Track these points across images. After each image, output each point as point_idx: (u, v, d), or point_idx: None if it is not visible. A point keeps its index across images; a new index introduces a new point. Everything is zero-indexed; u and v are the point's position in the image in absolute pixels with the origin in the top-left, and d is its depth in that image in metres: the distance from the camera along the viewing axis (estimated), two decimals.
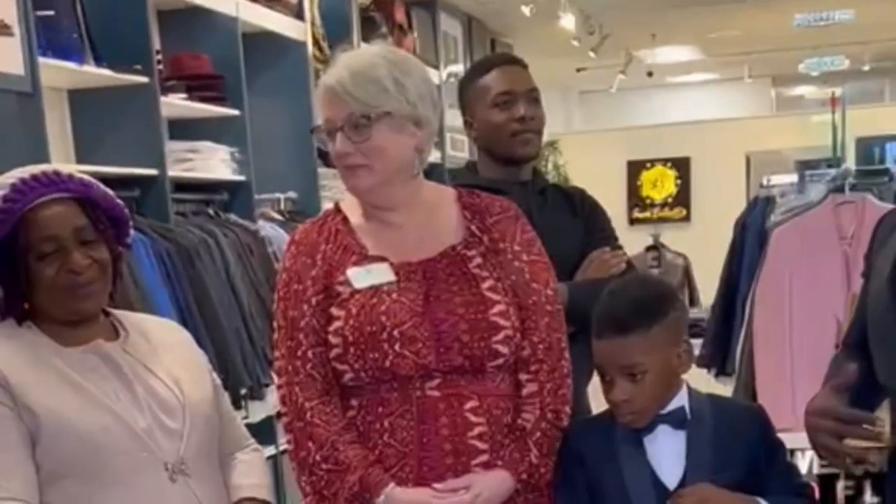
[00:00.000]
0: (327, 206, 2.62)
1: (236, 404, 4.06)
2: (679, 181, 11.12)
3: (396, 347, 2.18)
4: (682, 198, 11.11)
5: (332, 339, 2.23)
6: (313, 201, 5.23)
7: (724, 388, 4.36)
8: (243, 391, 4.22)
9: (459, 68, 7.79)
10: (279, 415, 2.33)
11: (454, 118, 3.04)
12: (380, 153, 2.24)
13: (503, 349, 2.23)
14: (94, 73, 3.92)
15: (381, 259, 2.27)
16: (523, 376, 2.29)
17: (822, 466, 3.25)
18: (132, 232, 2.34)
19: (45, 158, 3.38)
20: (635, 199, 11.20)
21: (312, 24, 5.55)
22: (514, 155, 2.94)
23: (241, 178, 4.77)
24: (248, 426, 2.58)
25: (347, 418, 2.25)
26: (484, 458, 2.22)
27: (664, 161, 11.14)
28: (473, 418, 2.22)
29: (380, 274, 2.25)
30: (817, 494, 2.82)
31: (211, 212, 4.62)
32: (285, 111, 5.16)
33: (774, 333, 4.03)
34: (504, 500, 2.23)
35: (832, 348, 3.26)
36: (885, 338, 2.05)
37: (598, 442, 2.23)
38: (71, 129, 4.22)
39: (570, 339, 2.35)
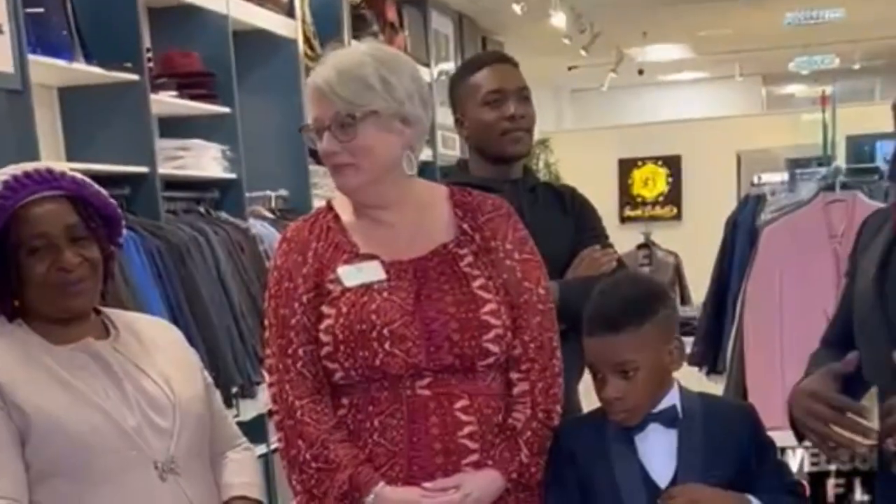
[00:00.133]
0: (319, 204, 2.62)
1: (227, 403, 4.05)
2: (670, 179, 11.13)
3: (386, 346, 2.18)
4: (673, 196, 11.13)
5: (323, 338, 2.22)
6: (304, 199, 5.23)
7: (716, 387, 4.36)
8: (234, 389, 4.21)
9: (451, 66, 7.79)
10: (270, 413, 2.32)
11: (445, 116, 3.04)
12: (367, 152, 2.23)
13: (494, 348, 2.23)
14: (84, 71, 3.91)
15: (373, 257, 2.26)
16: (514, 375, 2.28)
17: (813, 465, 3.24)
18: (124, 231, 2.34)
19: (34, 156, 3.37)
20: (626, 197, 11.21)
21: (303, 21, 5.54)
22: (505, 153, 2.94)
23: (232, 175, 4.77)
24: (240, 424, 2.58)
25: (338, 417, 2.25)
26: (474, 457, 2.22)
27: (655, 159, 11.15)
28: (464, 417, 2.21)
29: (371, 272, 2.24)
30: (807, 492, 2.82)
31: (202, 210, 4.61)
32: (276, 109, 5.16)
33: (765, 332, 4.04)
34: (494, 500, 2.22)
35: None
36: (871, 337, 2.05)
37: (590, 440, 2.22)
38: (61, 126, 4.21)
39: (561, 338, 2.35)
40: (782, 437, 2.38)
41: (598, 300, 2.20)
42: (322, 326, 2.23)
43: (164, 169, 4.31)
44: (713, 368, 4.57)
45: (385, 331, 2.18)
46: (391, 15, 6.94)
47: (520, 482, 2.24)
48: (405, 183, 2.32)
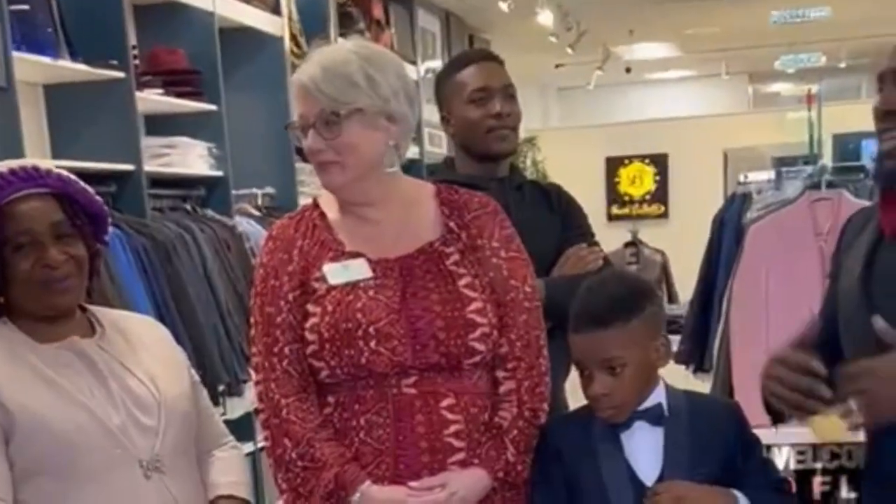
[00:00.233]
0: (305, 201, 2.62)
1: (214, 401, 4.04)
2: (657, 178, 11.14)
3: (372, 344, 2.17)
4: (660, 194, 11.14)
5: (308, 336, 2.22)
6: (291, 197, 5.23)
7: (702, 385, 4.37)
8: (221, 388, 4.20)
9: (438, 64, 7.79)
10: (257, 411, 2.32)
11: (432, 114, 3.04)
12: (352, 149, 2.23)
13: (480, 347, 2.22)
14: (70, 68, 3.90)
15: (358, 255, 2.26)
16: (500, 374, 2.28)
17: (799, 462, 3.26)
18: (110, 229, 2.33)
19: (19, 154, 3.36)
20: (613, 195, 11.21)
21: (290, 19, 5.54)
22: (491, 151, 2.94)
23: (219, 173, 4.76)
24: (227, 423, 2.57)
25: (324, 415, 2.24)
26: (460, 456, 2.21)
27: (642, 157, 11.16)
28: (450, 416, 2.21)
29: (357, 270, 2.24)
30: (794, 489, 2.82)
31: (188, 207, 4.60)
32: (263, 106, 5.16)
33: (751, 330, 4.04)
34: (481, 499, 2.22)
35: None
36: (857, 336, 2.05)
37: (576, 438, 2.22)
38: (46, 124, 4.20)
39: (547, 336, 2.34)
40: (768, 434, 2.39)
41: (586, 297, 2.20)
42: (307, 325, 2.22)
43: (150, 166, 4.30)
44: (700, 366, 4.57)
45: (371, 329, 2.17)
46: (377, 12, 6.94)
47: (506, 481, 2.24)
48: (391, 180, 2.31)
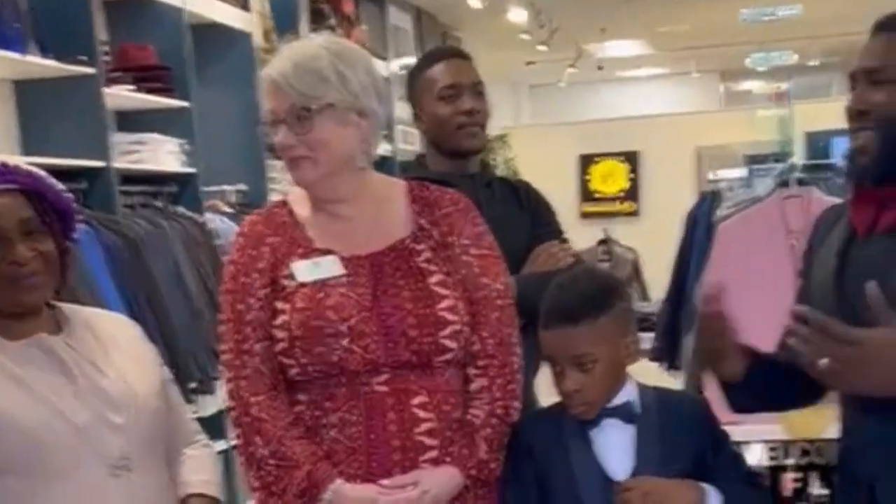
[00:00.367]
0: (276, 198, 2.61)
1: (186, 398, 4.02)
2: (630, 175, 11.16)
3: (344, 342, 2.16)
4: (633, 192, 11.15)
5: (278, 334, 2.21)
6: (262, 193, 5.22)
7: (675, 382, 4.38)
8: (193, 385, 4.19)
9: (410, 61, 7.78)
10: (229, 409, 2.30)
11: (404, 111, 3.04)
12: (323, 145, 2.22)
13: (451, 344, 2.22)
14: (39, 64, 3.88)
15: (329, 252, 2.25)
16: (472, 371, 2.27)
17: (771, 459, 3.27)
18: (79, 226, 2.31)
19: None
20: (586, 193, 11.22)
21: (261, 15, 5.52)
22: (461, 148, 2.94)
23: (190, 170, 4.75)
24: (199, 420, 2.56)
25: (295, 413, 2.23)
26: (432, 454, 2.20)
27: (614, 155, 11.17)
28: (422, 414, 2.20)
29: (328, 267, 2.23)
30: (767, 483, 2.84)
31: (159, 204, 4.58)
32: (234, 103, 5.15)
33: None
34: (453, 497, 2.21)
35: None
36: None
37: (547, 435, 2.23)
38: (16, 120, 4.17)
39: (519, 333, 2.34)
40: (740, 431, 2.40)
41: (556, 294, 2.21)
42: (277, 322, 2.21)
43: (120, 163, 4.29)
44: (673, 364, 4.59)
45: (342, 327, 2.16)
46: (348, 9, 6.93)
47: (478, 479, 2.23)
48: (362, 177, 2.31)
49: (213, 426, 3.65)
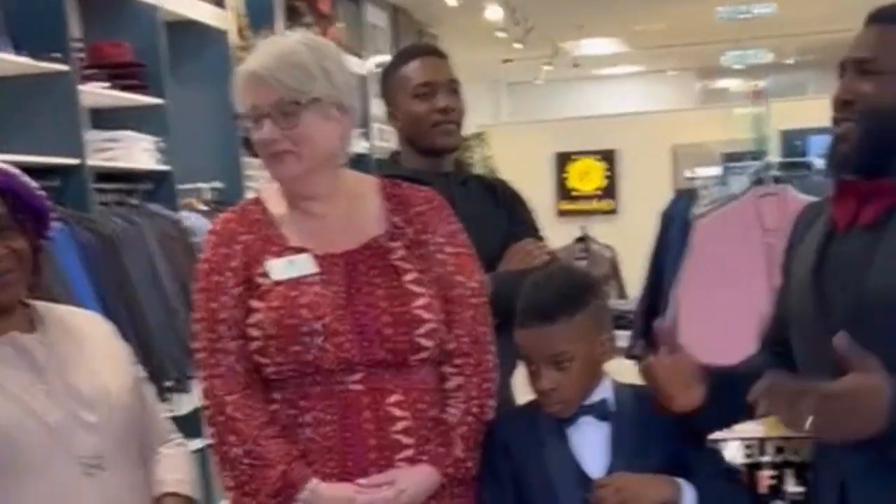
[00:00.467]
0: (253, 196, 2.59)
1: (161, 397, 4.02)
2: (607, 173, 11.18)
3: (318, 341, 2.15)
4: (610, 190, 11.18)
5: (253, 332, 2.20)
6: (238, 191, 5.20)
7: None
8: (169, 383, 4.17)
9: (386, 58, 7.77)
10: (204, 408, 2.29)
11: (380, 109, 3.03)
12: (308, 140, 2.21)
13: (427, 342, 2.21)
14: (12, 61, 3.86)
15: (303, 250, 2.24)
16: (448, 370, 2.27)
17: (747, 456, 3.28)
18: (53, 224, 2.30)
19: None
20: (563, 191, 11.24)
21: (236, 13, 5.50)
22: (436, 145, 2.93)
23: (165, 167, 4.73)
24: (175, 419, 2.55)
25: (270, 412, 2.22)
26: (408, 452, 2.20)
27: (591, 153, 11.19)
28: (397, 412, 2.20)
29: (302, 265, 2.22)
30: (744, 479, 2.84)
31: (133, 202, 4.56)
32: (209, 100, 5.11)
33: (698, 325, 4.06)
34: (429, 495, 2.21)
35: (755, 339, 3.28)
36: (808, 328, 2.06)
37: (523, 433, 2.23)
38: None
39: (494, 331, 2.34)
40: None
41: (532, 292, 2.21)
42: (251, 321, 2.20)
43: (94, 161, 4.27)
44: None
45: (317, 325, 2.15)
46: (325, 7, 6.91)
47: (455, 477, 2.23)
48: (337, 174, 2.31)
49: (188, 425, 3.62)
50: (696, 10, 9.99)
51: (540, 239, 2.98)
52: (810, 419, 1.81)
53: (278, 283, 2.20)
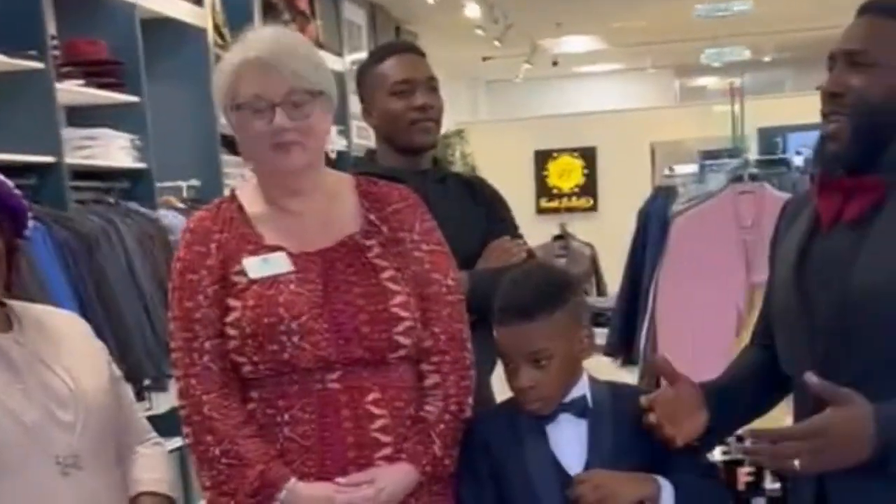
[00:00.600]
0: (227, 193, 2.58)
1: (140, 396, 4.01)
2: (586, 171, 11.21)
3: (295, 339, 2.15)
4: (589, 187, 11.21)
5: (230, 331, 2.19)
6: (216, 189, 5.16)
7: (631, 377, 4.40)
8: (147, 382, 4.16)
9: (364, 56, 7.76)
10: (181, 408, 2.28)
11: (359, 106, 3.01)
12: (314, 132, 2.22)
13: (404, 340, 2.21)
14: None
15: (278, 248, 2.23)
16: (425, 367, 2.27)
17: (724, 453, 3.29)
18: (30, 223, 2.29)
19: None
20: (543, 188, 11.27)
21: (213, 10, 5.48)
22: (413, 143, 2.92)
23: (142, 165, 4.71)
24: (153, 417, 2.55)
25: (247, 411, 2.21)
26: (387, 451, 2.20)
27: (571, 151, 11.22)
28: (376, 410, 2.19)
29: (277, 264, 2.21)
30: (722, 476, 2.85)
31: (111, 200, 4.54)
32: (186, 98, 5.10)
33: (676, 322, 4.08)
34: (408, 493, 2.21)
35: (733, 336, 3.31)
36: (790, 326, 2.07)
37: (502, 431, 2.23)
38: None
39: (471, 329, 2.34)
40: None
41: (510, 289, 2.20)
42: (228, 320, 2.19)
43: (71, 159, 4.24)
44: (628, 359, 4.60)
45: (293, 324, 2.15)
46: (302, 4, 6.90)
47: (434, 475, 2.23)
48: (320, 170, 2.31)
49: (167, 423, 3.61)
50: (674, 7, 10.01)
51: (518, 237, 2.98)
52: (796, 461, 1.84)
53: (254, 281, 2.19)
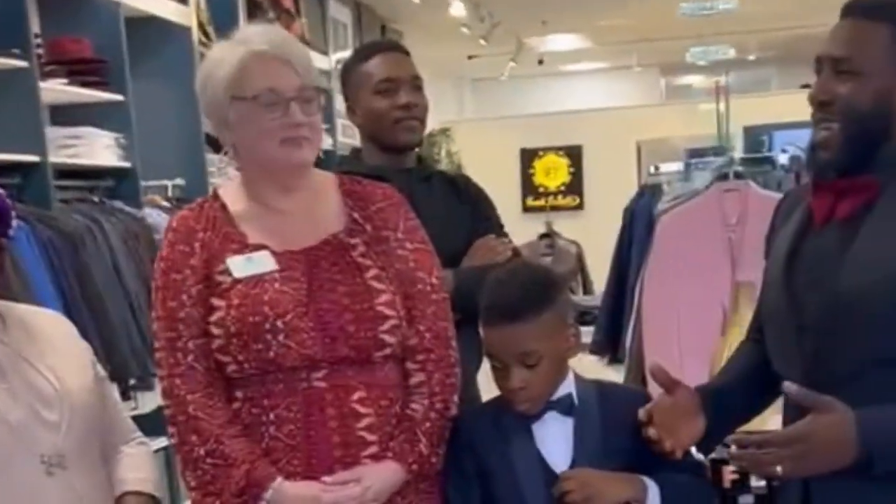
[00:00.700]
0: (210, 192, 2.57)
1: (125, 395, 4.00)
2: (572, 169, 11.23)
3: (280, 338, 2.14)
4: (575, 186, 11.23)
5: (214, 331, 2.18)
6: (201, 188, 5.16)
7: (617, 375, 4.40)
8: (132, 381, 4.15)
9: (349, 54, 7.76)
10: (165, 407, 2.27)
11: (343, 104, 3.01)
12: (318, 129, 2.25)
13: (390, 339, 2.20)
14: None
15: (262, 247, 2.22)
16: (411, 366, 2.26)
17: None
18: (15, 223, 2.28)
19: None
20: (529, 186, 11.28)
21: (198, 8, 5.47)
22: (397, 142, 2.92)
23: (127, 164, 4.69)
24: (139, 417, 2.54)
25: (232, 411, 2.21)
26: (373, 449, 2.19)
27: (557, 149, 11.23)
28: (361, 409, 2.19)
29: (261, 263, 2.20)
30: (709, 473, 2.85)
31: (96, 199, 4.53)
32: (171, 97, 5.09)
33: (662, 320, 4.08)
34: (395, 492, 2.21)
35: (718, 334, 3.31)
36: (779, 325, 2.07)
37: (488, 429, 2.23)
38: None
39: (456, 327, 2.34)
40: None
41: (497, 290, 2.20)
42: (213, 319, 2.18)
43: (55, 157, 4.23)
44: (614, 357, 4.60)
45: (279, 323, 2.14)
46: (287, 2, 6.88)
47: (420, 473, 2.23)
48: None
49: (153, 423, 3.60)
50: (659, 5, 10.02)
51: (503, 235, 2.97)
52: (780, 467, 1.85)
53: (238, 280, 2.18)
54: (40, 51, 4.26)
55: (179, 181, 5.18)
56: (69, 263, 3.95)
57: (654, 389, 2.23)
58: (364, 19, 8.69)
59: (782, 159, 4.64)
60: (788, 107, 9.29)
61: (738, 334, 2.97)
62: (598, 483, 2.13)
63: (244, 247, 2.22)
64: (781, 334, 2.06)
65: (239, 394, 2.21)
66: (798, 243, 2.05)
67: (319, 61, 6.69)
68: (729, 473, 3.30)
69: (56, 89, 4.32)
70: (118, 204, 4.60)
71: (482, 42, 9.98)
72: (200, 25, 5.43)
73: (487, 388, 2.36)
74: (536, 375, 2.15)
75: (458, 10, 8.79)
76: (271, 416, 2.18)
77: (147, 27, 5.03)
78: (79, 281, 3.98)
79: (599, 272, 6.09)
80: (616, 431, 2.19)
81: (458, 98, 14.14)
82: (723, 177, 4.15)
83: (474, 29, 9.55)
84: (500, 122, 11.94)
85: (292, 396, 2.17)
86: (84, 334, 2.38)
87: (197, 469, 2.18)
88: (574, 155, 11.20)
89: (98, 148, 4.54)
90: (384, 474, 2.19)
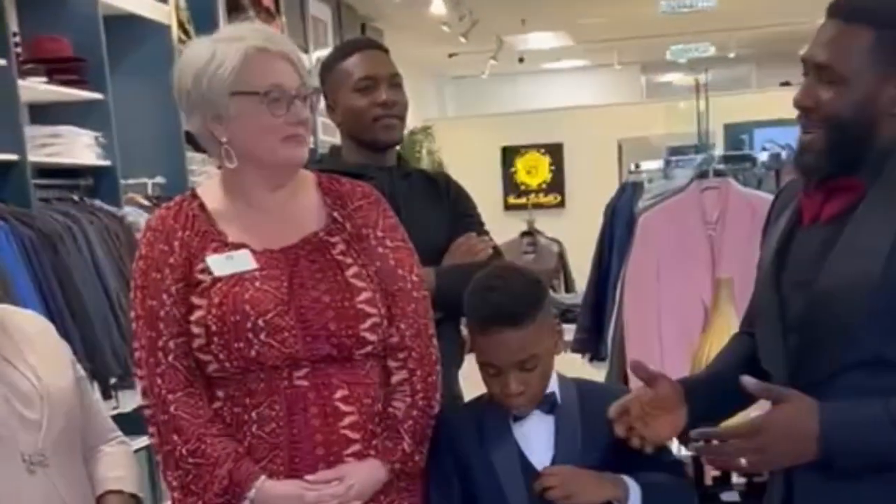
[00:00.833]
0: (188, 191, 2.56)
1: (106, 394, 3.99)
2: (553, 167, 11.24)
3: (262, 337, 2.13)
4: (556, 184, 11.24)
5: (195, 330, 2.17)
6: (181, 186, 5.13)
7: (599, 373, 4.40)
8: (113, 380, 4.13)
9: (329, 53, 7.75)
10: (145, 407, 2.26)
11: (323, 102, 3.00)
12: (311, 127, 2.25)
13: (371, 337, 2.20)
14: None
15: (242, 246, 2.22)
16: (392, 364, 2.26)
17: (690, 448, 3.30)
18: None
19: None
20: (510, 185, 11.29)
21: (177, 6, 5.45)
22: (377, 140, 2.91)
23: (106, 163, 4.68)
24: (120, 416, 2.53)
25: (214, 410, 2.20)
26: (356, 447, 2.19)
27: (538, 147, 11.25)
28: (344, 407, 2.19)
29: (241, 261, 2.19)
30: (690, 472, 2.85)
31: (75, 198, 4.51)
32: (151, 95, 5.06)
33: (643, 317, 4.09)
34: (378, 490, 2.21)
35: (699, 331, 3.31)
36: (766, 320, 2.07)
37: (469, 427, 2.23)
38: None
39: (437, 325, 2.34)
40: None
41: (492, 297, 2.17)
42: (193, 318, 2.17)
43: (35, 156, 4.21)
44: (596, 355, 4.61)
45: (260, 321, 2.14)
46: (267, 0, 6.86)
47: (403, 471, 2.23)
48: None
49: (134, 422, 3.59)
50: (639, 3, 10.03)
51: (484, 233, 2.97)
52: (742, 459, 1.85)
53: (218, 279, 2.17)
54: (19, 49, 4.24)
55: (160, 179, 5.16)
56: (48, 262, 3.94)
57: (636, 386, 2.23)
58: (344, 17, 8.67)
59: (763, 157, 4.65)
60: (768, 104, 9.34)
61: (718, 330, 2.98)
62: (580, 480, 2.14)
63: (224, 245, 2.21)
64: (768, 332, 2.07)
65: (220, 393, 2.20)
66: (787, 241, 2.06)
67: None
68: (711, 470, 3.30)
69: (35, 88, 4.30)
70: (98, 202, 4.58)
71: (462, 40, 9.97)
72: (180, 24, 5.42)
73: (469, 386, 2.36)
74: (533, 377, 2.16)
75: (438, 8, 8.78)
76: (253, 414, 2.17)
77: (126, 25, 5.01)
78: (58, 280, 3.96)
79: (581, 270, 6.10)
80: (596, 429, 2.19)
81: (438, 96, 14.14)
82: (703, 174, 4.16)
83: (454, 27, 9.54)
84: (481, 120, 11.94)
85: (274, 395, 2.16)
86: (64, 333, 2.38)
87: (179, 468, 2.17)
88: (555, 153, 11.21)
89: (77, 146, 4.52)
90: (367, 472, 2.19)
